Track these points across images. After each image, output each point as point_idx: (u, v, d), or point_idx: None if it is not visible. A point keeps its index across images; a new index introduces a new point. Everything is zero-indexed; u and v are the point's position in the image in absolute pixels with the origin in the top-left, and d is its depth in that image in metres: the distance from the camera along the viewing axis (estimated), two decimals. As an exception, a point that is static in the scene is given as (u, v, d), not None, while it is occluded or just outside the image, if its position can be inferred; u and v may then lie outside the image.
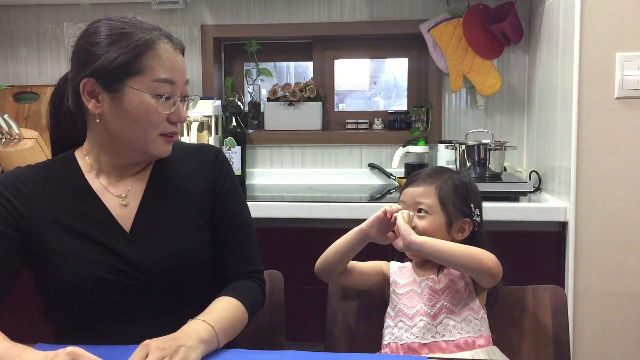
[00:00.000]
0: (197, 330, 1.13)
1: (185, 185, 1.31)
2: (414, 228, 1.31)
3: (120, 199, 1.26)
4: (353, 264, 1.42)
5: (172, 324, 1.15)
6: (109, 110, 1.20)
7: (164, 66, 1.19)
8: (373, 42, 2.75)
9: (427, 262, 1.39)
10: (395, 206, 1.34)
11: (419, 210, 1.36)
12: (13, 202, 1.21)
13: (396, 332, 1.34)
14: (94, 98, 1.20)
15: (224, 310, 1.22)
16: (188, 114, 1.31)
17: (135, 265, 1.22)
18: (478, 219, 1.40)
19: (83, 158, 1.29)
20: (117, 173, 1.28)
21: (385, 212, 1.32)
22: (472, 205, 1.39)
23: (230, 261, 1.33)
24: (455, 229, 1.37)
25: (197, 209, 1.30)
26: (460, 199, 1.38)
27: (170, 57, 1.20)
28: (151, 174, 1.30)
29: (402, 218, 1.29)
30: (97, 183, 1.27)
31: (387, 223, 1.32)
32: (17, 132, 2.28)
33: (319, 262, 1.40)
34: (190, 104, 1.28)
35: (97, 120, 1.22)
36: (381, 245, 1.35)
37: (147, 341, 1.06)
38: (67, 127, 1.31)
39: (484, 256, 1.26)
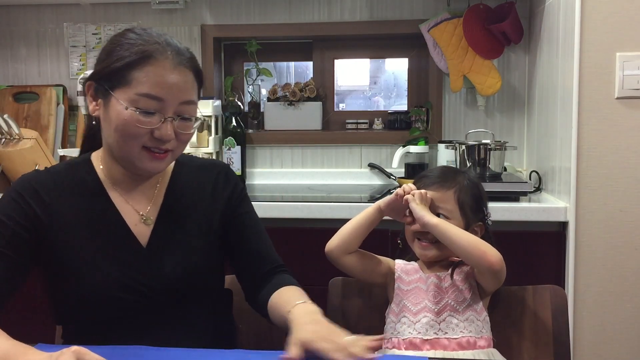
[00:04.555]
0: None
1: (199, 202, 1.32)
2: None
3: (142, 216, 1.27)
4: (363, 250, 1.44)
5: (181, 332, 1.19)
6: (103, 115, 1.21)
7: (152, 81, 1.16)
8: (373, 42, 2.75)
9: (434, 263, 1.40)
10: (407, 187, 1.37)
11: (438, 215, 1.36)
12: (32, 206, 1.21)
13: (399, 327, 1.35)
14: (94, 100, 1.23)
15: (301, 295, 1.23)
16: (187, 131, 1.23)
17: (150, 281, 1.23)
18: (490, 222, 1.42)
19: (99, 164, 1.29)
20: (133, 186, 1.28)
21: (397, 195, 1.36)
22: (484, 208, 1.42)
23: (258, 265, 1.34)
24: (470, 232, 1.38)
25: (209, 225, 1.31)
26: (476, 203, 1.40)
27: (163, 73, 1.17)
28: (166, 191, 1.31)
29: (414, 201, 1.34)
30: (116, 195, 1.27)
31: (402, 203, 1.36)
32: (17, 132, 2.29)
33: (333, 241, 1.41)
34: (194, 125, 1.23)
35: (94, 122, 1.25)
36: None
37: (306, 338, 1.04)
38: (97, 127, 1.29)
39: (489, 251, 1.28)
